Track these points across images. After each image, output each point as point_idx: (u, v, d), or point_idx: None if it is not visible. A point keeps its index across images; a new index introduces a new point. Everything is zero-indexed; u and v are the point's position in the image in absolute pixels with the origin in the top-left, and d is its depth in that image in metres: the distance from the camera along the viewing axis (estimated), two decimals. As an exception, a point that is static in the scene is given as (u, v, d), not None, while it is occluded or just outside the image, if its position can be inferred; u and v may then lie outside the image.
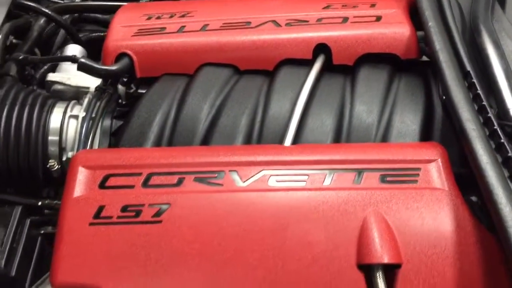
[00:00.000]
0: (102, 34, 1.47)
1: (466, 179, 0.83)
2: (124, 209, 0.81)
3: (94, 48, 1.35)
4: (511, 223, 0.70)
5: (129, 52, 1.05)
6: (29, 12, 1.43)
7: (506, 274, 0.75)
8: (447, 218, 0.79)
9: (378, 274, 0.75)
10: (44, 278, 0.87)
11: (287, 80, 1.00)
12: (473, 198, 0.85)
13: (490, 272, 0.76)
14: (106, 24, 1.52)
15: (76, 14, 1.51)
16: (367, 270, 0.76)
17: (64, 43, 1.46)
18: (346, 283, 0.76)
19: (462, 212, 0.79)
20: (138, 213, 0.81)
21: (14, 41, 1.36)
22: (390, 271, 0.76)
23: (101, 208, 0.81)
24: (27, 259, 0.91)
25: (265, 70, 1.04)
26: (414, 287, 0.76)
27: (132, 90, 1.08)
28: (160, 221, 0.80)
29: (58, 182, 1.06)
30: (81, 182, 0.84)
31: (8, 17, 1.35)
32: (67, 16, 1.48)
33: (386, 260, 0.75)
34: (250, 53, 1.04)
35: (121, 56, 1.05)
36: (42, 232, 0.97)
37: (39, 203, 0.99)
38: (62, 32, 1.47)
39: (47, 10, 1.37)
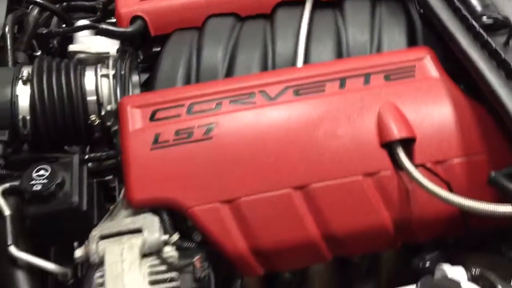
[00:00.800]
0: (92, 19, 1.58)
1: (451, 72, 1.01)
2: (177, 133, 0.95)
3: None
4: (497, 86, 0.88)
5: (141, 14, 1.18)
6: (22, 4, 1.53)
7: (500, 134, 0.93)
8: (445, 98, 0.96)
9: (398, 147, 0.91)
10: (112, 209, 0.99)
11: (286, 18, 1.15)
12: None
13: (487, 135, 0.94)
14: (93, 10, 1.63)
15: (64, 4, 1.61)
16: (389, 148, 0.93)
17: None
18: (373, 161, 0.92)
19: (455, 92, 0.97)
20: (190, 135, 0.94)
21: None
22: (408, 146, 0.93)
23: (157, 136, 0.95)
24: (91, 201, 1.02)
25: (264, 14, 1.19)
26: (428, 156, 0.93)
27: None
28: (210, 138, 0.94)
29: (96, 141, 1.18)
30: (133, 119, 0.97)
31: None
32: (56, 5, 1.58)
33: (403, 134, 0.92)
34: (248, 1, 1.19)
35: (134, 19, 1.18)
36: (95, 180, 1.09)
37: (86, 157, 1.10)
38: (53, 22, 1.57)
39: (40, 0, 1.47)
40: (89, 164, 1.13)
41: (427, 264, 0.90)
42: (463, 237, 0.96)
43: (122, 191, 0.99)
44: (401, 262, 1.00)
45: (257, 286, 1.03)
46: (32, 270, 0.94)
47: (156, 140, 0.94)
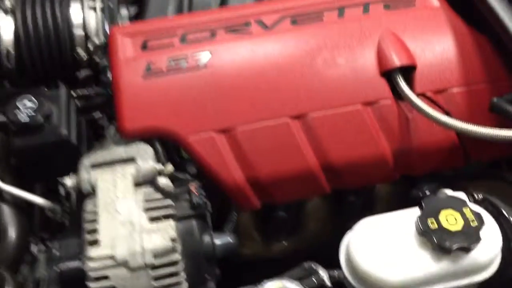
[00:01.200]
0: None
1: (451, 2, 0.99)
2: (170, 62, 0.91)
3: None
4: (499, 10, 0.86)
5: None
6: None
7: (500, 63, 0.91)
8: (445, 27, 0.94)
9: (398, 76, 0.89)
10: (102, 141, 0.95)
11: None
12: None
13: (487, 65, 0.92)
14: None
15: None
16: (389, 77, 0.90)
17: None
18: (373, 90, 0.90)
19: (456, 20, 0.95)
20: (183, 63, 0.91)
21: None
22: (408, 75, 0.91)
23: (149, 65, 0.91)
24: (80, 137, 0.98)
25: None
26: (429, 85, 0.91)
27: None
28: (205, 66, 0.91)
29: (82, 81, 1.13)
30: (124, 48, 0.93)
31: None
32: None
33: (403, 62, 0.89)
34: None
35: (122, -48, 1.13)
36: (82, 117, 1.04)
37: (75, 95, 1.06)
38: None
39: None
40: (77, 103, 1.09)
41: (427, 193, 0.89)
42: (461, 169, 0.95)
43: (111, 126, 0.96)
44: (398, 196, 0.99)
45: (251, 223, 1.01)
46: (18, 204, 0.91)
47: (148, 69, 0.90)
